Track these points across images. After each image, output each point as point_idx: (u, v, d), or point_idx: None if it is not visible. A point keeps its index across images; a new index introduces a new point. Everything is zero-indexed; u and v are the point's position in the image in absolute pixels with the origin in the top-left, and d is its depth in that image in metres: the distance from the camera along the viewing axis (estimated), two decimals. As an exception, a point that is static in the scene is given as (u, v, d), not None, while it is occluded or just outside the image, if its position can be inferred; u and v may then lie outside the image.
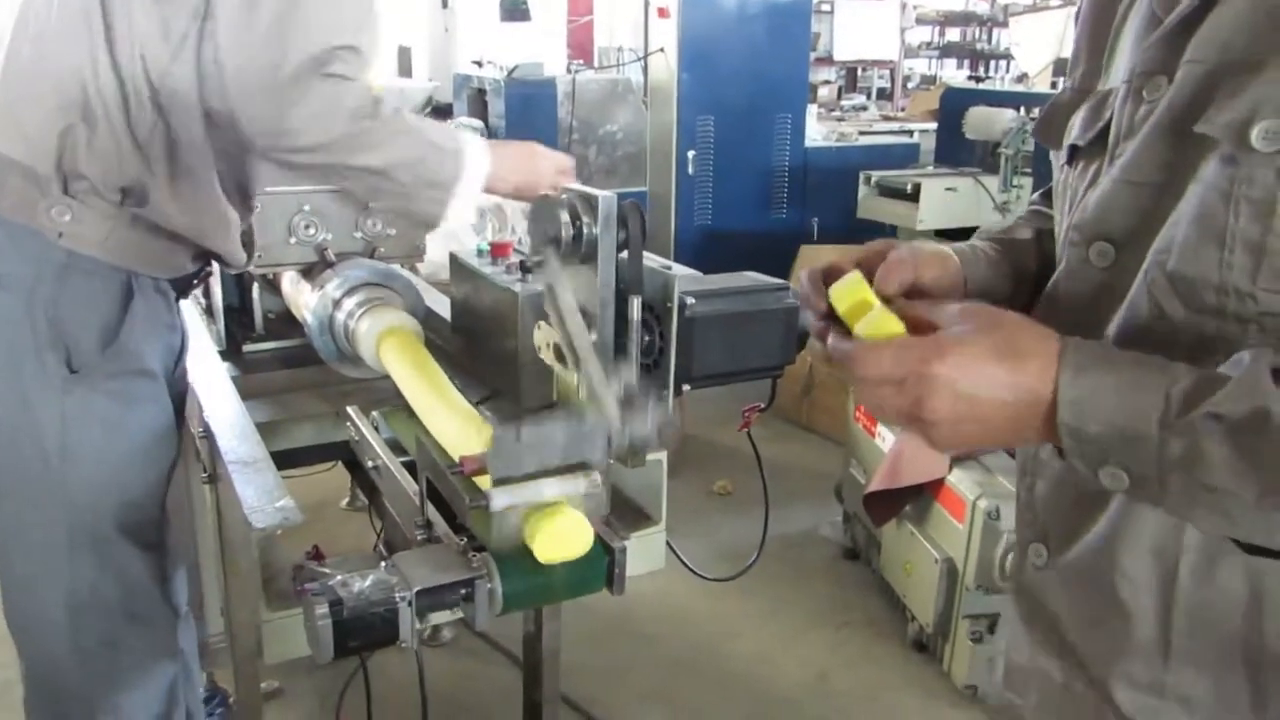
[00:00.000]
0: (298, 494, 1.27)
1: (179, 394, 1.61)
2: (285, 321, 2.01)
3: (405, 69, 6.60)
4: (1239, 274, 0.69)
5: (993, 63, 10.95)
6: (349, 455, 1.59)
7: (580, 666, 2.53)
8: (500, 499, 1.02)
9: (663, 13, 4.86)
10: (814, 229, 5.19)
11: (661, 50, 4.91)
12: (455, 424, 1.30)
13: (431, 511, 1.23)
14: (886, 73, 10.60)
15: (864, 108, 7.79)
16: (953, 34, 11.64)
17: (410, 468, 1.29)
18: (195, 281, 1.66)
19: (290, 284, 1.90)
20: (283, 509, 1.22)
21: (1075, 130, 0.85)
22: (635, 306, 1.11)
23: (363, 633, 1.01)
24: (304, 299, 1.78)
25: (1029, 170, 4.15)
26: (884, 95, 10.13)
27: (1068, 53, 0.99)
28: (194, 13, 1.36)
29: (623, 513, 1.48)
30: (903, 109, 7.69)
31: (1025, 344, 0.69)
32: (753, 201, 5.16)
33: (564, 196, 1.12)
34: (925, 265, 0.87)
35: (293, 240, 1.83)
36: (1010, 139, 4.16)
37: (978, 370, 0.69)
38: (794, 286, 1.30)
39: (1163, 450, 0.64)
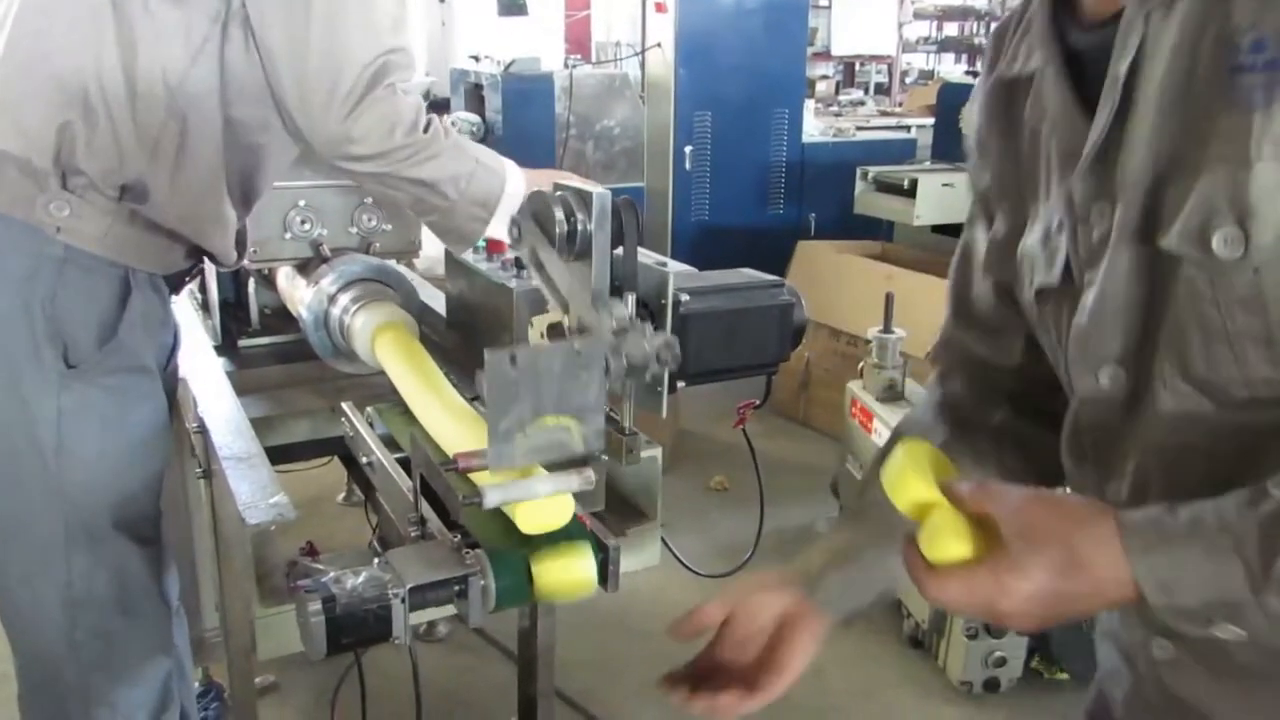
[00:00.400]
0: (293, 489, 1.27)
1: (170, 391, 1.61)
2: (281, 317, 2.01)
3: (402, 63, 6.57)
4: (1259, 365, 0.69)
5: (990, 58, 10.91)
6: (345, 450, 1.59)
7: (575, 662, 2.53)
8: (493, 496, 1.02)
9: (660, 8, 4.85)
10: (811, 224, 5.19)
11: (659, 45, 4.90)
12: (450, 420, 1.30)
13: (426, 508, 1.23)
14: (884, 68, 10.58)
15: (861, 103, 7.78)
16: (950, 29, 11.61)
17: (405, 464, 1.29)
18: (188, 278, 1.66)
19: (285, 279, 1.90)
20: (276, 505, 1.22)
21: (1038, 274, 0.85)
22: (630, 303, 1.11)
23: (356, 630, 1.00)
24: (299, 294, 1.77)
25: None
26: (882, 90, 10.12)
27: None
28: (214, 16, 1.38)
29: (618, 509, 1.48)
30: (900, 104, 7.68)
31: (1087, 551, 0.68)
32: (750, 197, 5.16)
33: (559, 193, 1.12)
34: None
35: (288, 235, 1.83)
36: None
37: (1047, 593, 0.69)
38: (789, 284, 1.31)
39: (1264, 608, 0.64)
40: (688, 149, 4.89)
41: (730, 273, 1.29)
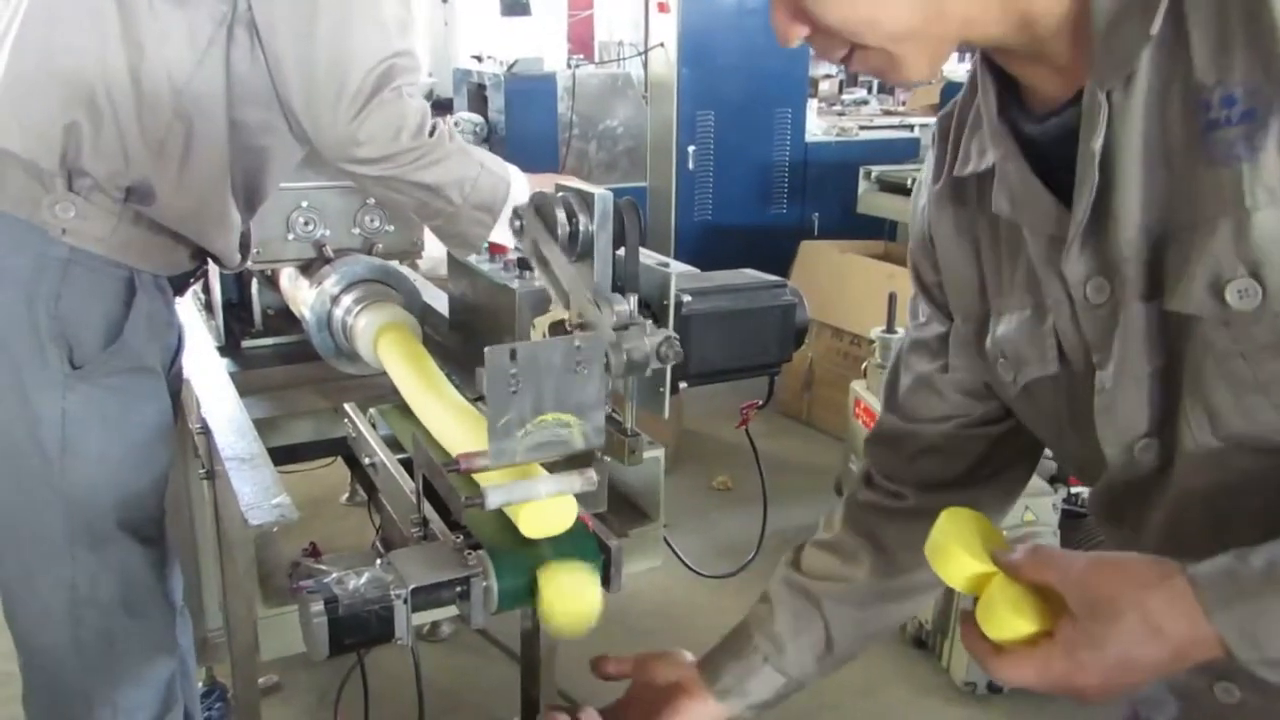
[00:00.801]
0: (297, 489, 1.27)
1: (174, 393, 1.61)
2: (284, 318, 2.01)
3: (405, 63, 6.58)
4: None
5: (994, 57, 10.89)
6: (348, 451, 1.59)
7: (578, 662, 2.53)
8: (495, 497, 1.02)
9: (663, 7, 4.86)
10: (814, 224, 5.19)
11: (662, 45, 4.90)
12: (452, 421, 1.30)
13: (428, 509, 1.23)
14: (888, 67, 10.56)
15: (865, 102, 7.76)
16: (954, 28, 11.59)
17: (407, 465, 1.29)
18: (192, 280, 1.66)
19: (288, 280, 1.90)
20: (279, 506, 1.22)
21: (1029, 366, 0.85)
22: (632, 304, 1.11)
23: (358, 630, 1.00)
24: (302, 295, 1.78)
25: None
26: (885, 89, 10.10)
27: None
28: (220, 19, 1.39)
29: (620, 509, 1.48)
30: (903, 103, 7.66)
31: (1162, 615, 0.66)
32: (753, 197, 5.15)
33: (561, 194, 1.12)
34: None
35: (291, 236, 1.83)
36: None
37: (1127, 664, 0.67)
38: (791, 284, 1.31)
39: None
40: (690, 149, 4.90)
41: (732, 273, 1.29)
